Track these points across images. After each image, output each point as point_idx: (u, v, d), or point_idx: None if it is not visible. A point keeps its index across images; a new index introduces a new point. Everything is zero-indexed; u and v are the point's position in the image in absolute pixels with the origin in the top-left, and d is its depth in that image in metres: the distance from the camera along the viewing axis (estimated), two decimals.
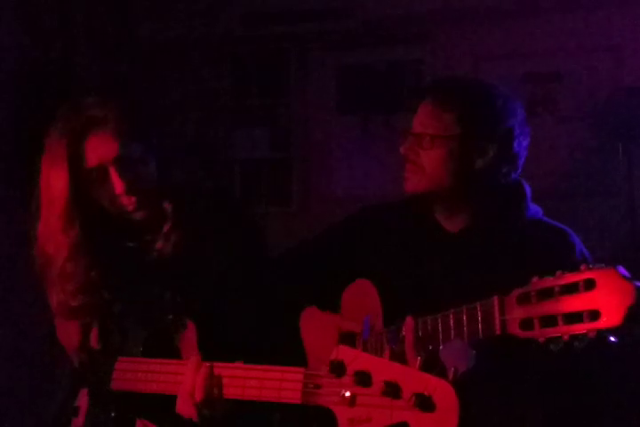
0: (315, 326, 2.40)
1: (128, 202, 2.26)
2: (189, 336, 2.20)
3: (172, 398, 2.05)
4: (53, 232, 2.26)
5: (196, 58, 5.09)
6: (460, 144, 2.32)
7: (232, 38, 5.07)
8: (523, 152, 2.38)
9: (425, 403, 1.54)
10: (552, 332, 1.75)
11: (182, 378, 2.02)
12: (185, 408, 2.02)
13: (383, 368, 1.62)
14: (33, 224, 2.32)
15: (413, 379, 1.57)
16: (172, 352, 2.19)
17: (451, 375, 1.57)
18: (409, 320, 2.07)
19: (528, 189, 2.41)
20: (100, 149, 2.23)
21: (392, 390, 1.58)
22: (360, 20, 4.87)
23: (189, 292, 2.27)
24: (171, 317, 2.23)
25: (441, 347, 2.02)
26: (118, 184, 2.23)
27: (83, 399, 2.28)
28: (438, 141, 2.32)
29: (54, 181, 2.25)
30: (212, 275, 2.31)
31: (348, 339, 2.31)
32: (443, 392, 1.53)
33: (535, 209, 2.41)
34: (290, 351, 2.35)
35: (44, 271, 2.32)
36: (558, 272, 1.75)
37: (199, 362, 2.01)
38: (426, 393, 1.54)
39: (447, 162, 2.32)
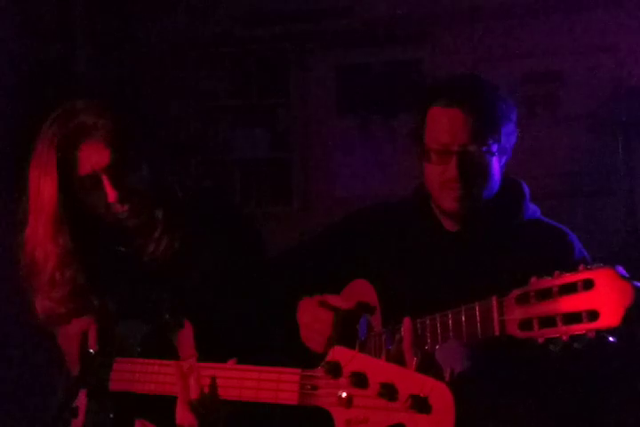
0: (307, 307, 2.38)
1: (121, 209, 2.23)
2: (186, 336, 2.20)
3: (170, 399, 2.05)
4: (42, 240, 2.24)
5: (196, 58, 5.09)
6: (500, 150, 2.30)
7: (232, 38, 5.07)
8: None
9: (421, 404, 1.53)
10: (551, 332, 1.74)
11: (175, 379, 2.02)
12: (184, 416, 2.01)
13: (379, 369, 1.62)
14: (20, 230, 2.29)
15: (409, 380, 1.57)
16: (170, 352, 2.19)
17: (447, 376, 1.57)
18: (407, 321, 2.06)
19: (527, 190, 2.42)
20: (91, 157, 2.20)
21: (388, 392, 1.58)
22: (360, 20, 4.87)
23: (187, 292, 2.27)
24: (168, 316, 2.22)
25: (437, 347, 2.02)
26: (111, 193, 2.20)
27: (82, 400, 2.28)
28: (489, 154, 2.28)
29: (44, 189, 2.22)
30: (210, 275, 2.31)
31: (344, 331, 2.30)
32: (439, 394, 1.53)
33: (533, 209, 2.41)
34: (288, 351, 2.35)
35: (30, 278, 2.30)
36: (556, 272, 1.74)
37: (190, 364, 2.01)
38: (422, 395, 1.54)
39: (497, 172, 2.31)
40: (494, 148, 2.29)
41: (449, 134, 2.28)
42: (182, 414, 2.01)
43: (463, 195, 2.28)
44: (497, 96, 2.36)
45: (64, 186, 2.22)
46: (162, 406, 2.09)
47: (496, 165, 2.32)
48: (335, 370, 1.67)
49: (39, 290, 2.29)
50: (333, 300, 2.31)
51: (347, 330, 2.28)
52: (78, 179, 2.23)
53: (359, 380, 1.63)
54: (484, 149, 2.27)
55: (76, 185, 2.23)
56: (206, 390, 1.96)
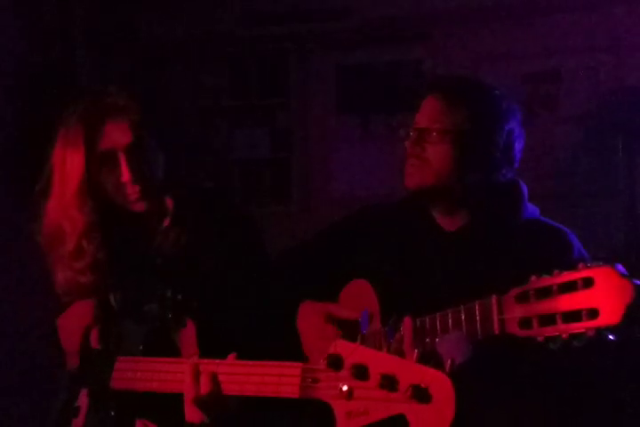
0: (311, 317, 2.40)
1: (132, 191, 2.31)
2: (189, 334, 2.21)
3: (171, 397, 2.05)
4: (68, 209, 2.32)
5: (196, 58, 5.09)
6: (467, 141, 2.33)
7: (232, 38, 5.07)
8: (519, 154, 2.41)
9: (421, 394, 1.54)
10: (551, 331, 1.75)
11: (182, 377, 2.02)
12: (192, 413, 2.02)
13: (380, 361, 1.62)
14: (42, 202, 2.37)
15: (410, 371, 1.57)
16: (172, 350, 2.20)
17: (447, 367, 1.57)
18: (407, 321, 2.07)
19: (525, 189, 2.42)
20: (114, 133, 2.31)
21: (389, 383, 1.58)
22: (360, 20, 4.87)
23: (189, 290, 2.28)
24: (170, 315, 2.23)
25: (437, 339, 2.02)
26: (125, 172, 2.30)
27: (83, 399, 2.28)
28: (446, 136, 2.32)
29: (70, 160, 2.31)
30: (212, 273, 2.32)
31: (346, 329, 2.31)
32: (439, 384, 1.53)
33: (532, 209, 2.42)
34: (288, 349, 2.35)
35: (52, 248, 2.36)
36: (556, 271, 1.75)
37: (197, 360, 2.01)
38: (422, 385, 1.54)
39: (454, 157, 2.33)
40: (456, 134, 2.32)
41: (419, 114, 2.40)
42: (192, 412, 2.01)
43: (413, 171, 2.36)
44: (485, 93, 2.41)
45: (88, 160, 2.31)
46: (163, 406, 2.10)
47: (458, 152, 2.33)
48: (336, 363, 1.67)
49: (61, 261, 2.35)
50: (339, 311, 2.33)
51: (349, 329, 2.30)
52: (98, 154, 2.31)
53: (360, 372, 1.63)
54: (442, 130, 2.32)
55: (96, 160, 2.32)
56: (212, 385, 1.97)
